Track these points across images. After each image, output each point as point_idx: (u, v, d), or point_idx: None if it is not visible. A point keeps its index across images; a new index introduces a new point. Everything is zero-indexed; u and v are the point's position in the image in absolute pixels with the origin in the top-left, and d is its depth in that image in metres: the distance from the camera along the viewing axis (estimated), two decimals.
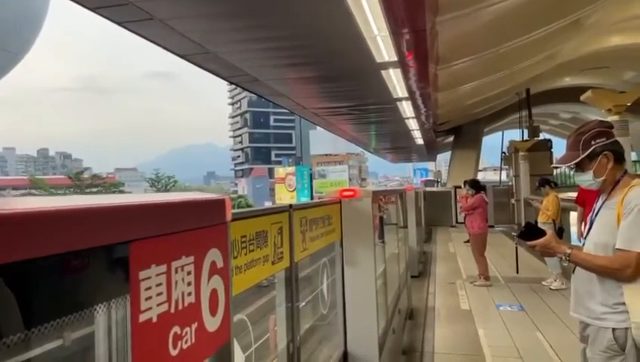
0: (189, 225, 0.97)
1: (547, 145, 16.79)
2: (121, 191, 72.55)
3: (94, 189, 67.39)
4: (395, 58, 7.48)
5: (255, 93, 9.51)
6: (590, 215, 2.63)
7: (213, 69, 7.69)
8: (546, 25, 10.12)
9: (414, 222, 9.22)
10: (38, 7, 54.58)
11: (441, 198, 18.75)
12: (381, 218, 4.11)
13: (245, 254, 1.68)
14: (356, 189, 3.42)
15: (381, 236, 4.12)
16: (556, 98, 21.12)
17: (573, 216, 7.80)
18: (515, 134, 20.69)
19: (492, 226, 18.63)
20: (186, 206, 1.00)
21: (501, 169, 22.86)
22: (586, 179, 2.49)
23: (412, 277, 8.80)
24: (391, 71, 8.43)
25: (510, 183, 19.83)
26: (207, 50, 6.75)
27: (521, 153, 16.62)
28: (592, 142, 2.44)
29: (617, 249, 2.28)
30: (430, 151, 29.37)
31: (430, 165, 65.23)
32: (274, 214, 2.04)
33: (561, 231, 7.77)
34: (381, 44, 6.86)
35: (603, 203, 2.50)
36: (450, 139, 25.09)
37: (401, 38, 6.60)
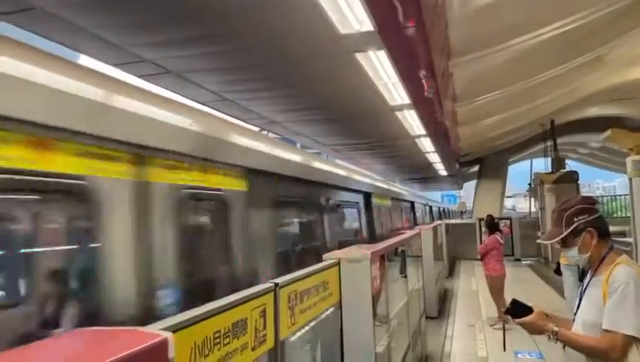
0: None
1: (573, 176, 16.34)
2: None
3: None
4: (407, 101, 7.56)
5: (271, 132, 9.71)
6: (580, 289, 2.59)
7: (230, 114, 7.91)
8: (564, 63, 10.08)
9: (431, 261, 9.09)
10: None
11: (465, 231, 18.40)
12: (384, 274, 4.10)
13: (219, 350, 1.71)
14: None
15: (385, 292, 4.10)
16: (583, 128, 20.69)
17: None
18: (543, 162, 20.21)
19: (519, 260, 18.18)
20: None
21: (530, 200, 22.32)
22: (573, 255, 2.48)
23: (430, 318, 8.65)
24: (405, 112, 8.50)
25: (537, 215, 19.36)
26: (224, 97, 6.97)
27: (546, 185, 16.25)
28: (575, 219, 2.42)
29: (604, 330, 2.25)
30: (455, 180, 29.10)
31: (459, 192, 64.65)
32: (255, 299, 2.06)
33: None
34: (392, 89, 6.96)
35: (590, 279, 2.47)
36: (476, 168, 24.83)
37: (411, 84, 6.68)
